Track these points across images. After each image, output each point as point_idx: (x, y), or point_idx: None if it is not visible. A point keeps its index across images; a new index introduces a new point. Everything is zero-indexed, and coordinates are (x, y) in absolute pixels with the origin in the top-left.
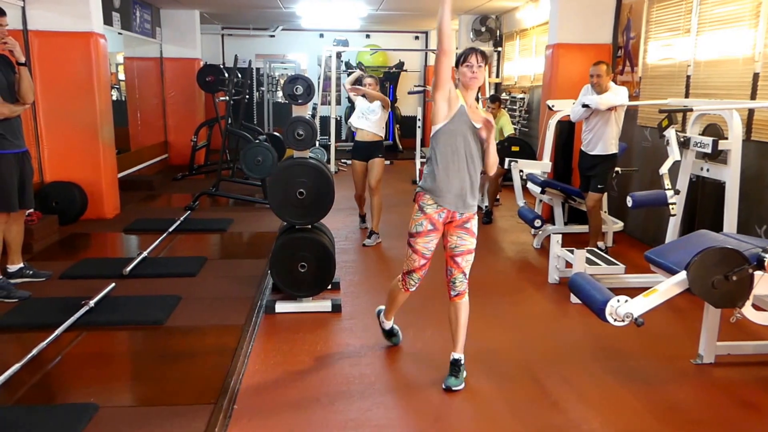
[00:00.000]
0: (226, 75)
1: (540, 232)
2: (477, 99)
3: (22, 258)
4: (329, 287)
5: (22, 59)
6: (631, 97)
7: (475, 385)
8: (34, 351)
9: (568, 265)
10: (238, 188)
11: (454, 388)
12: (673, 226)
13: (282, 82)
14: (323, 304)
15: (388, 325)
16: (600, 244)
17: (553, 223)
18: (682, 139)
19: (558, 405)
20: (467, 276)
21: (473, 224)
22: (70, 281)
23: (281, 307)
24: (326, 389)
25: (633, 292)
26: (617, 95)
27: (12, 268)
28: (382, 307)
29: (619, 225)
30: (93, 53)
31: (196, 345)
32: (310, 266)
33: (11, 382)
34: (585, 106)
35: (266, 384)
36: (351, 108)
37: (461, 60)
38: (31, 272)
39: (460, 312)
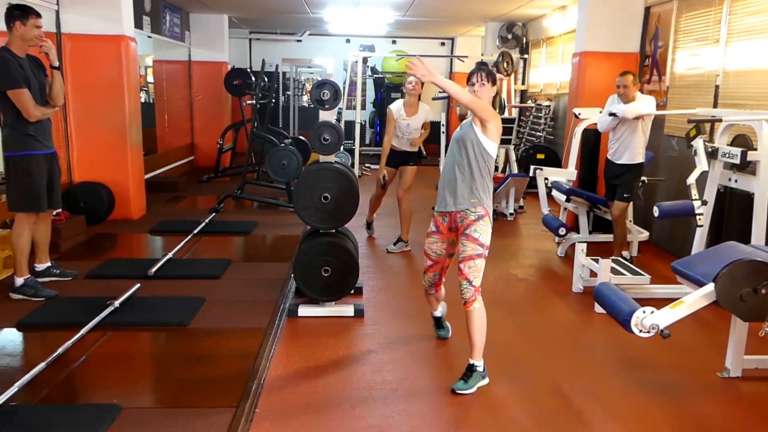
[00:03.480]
0: (253, 78)
1: (564, 241)
2: (503, 106)
3: (50, 257)
4: (352, 292)
5: (56, 63)
6: (658, 107)
7: (498, 394)
8: (60, 350)
9: (593, 274)
10: (263, 191)
11: (457, 391)
12: (700, 237)
13: (308, 86)
14: (346, 309)
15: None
16: (625, 253)
17: (578, 232)
18: (710, 150)
19: (582, 416)
20: (473, 283)
21: (472, 230)
22: (95, 281)
23: (304, 310)
24: (348, 394)
25: (658, 302)
26: (644, 104)
27: (39, 266)
28: None
29: (644, 234)
30: (123, 56)
31: (219, 347)
32: (334, 271)
33: (36, 380)
34: (612, 115)
35: (288, 388)
36: (375, 113)
37: (468, 80)
38: (58, 271)
39: (470, 321)
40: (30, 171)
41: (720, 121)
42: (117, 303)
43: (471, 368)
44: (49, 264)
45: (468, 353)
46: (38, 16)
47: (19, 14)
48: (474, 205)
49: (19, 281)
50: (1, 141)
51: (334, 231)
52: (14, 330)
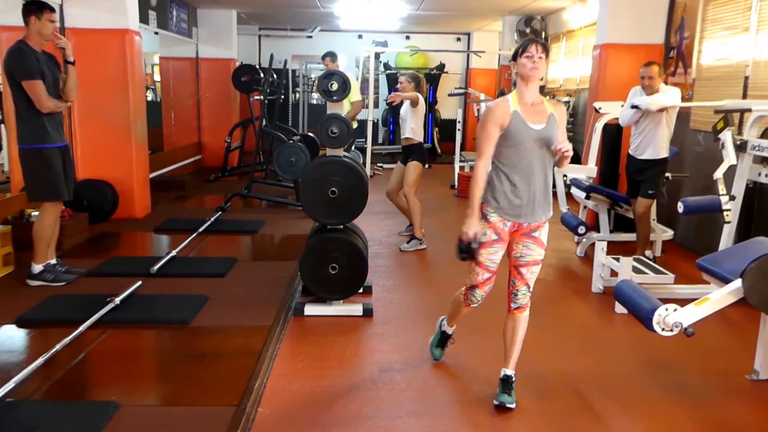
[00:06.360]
0: (261, 75)
1: (584, 240)
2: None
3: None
4: (361, 291)
5: (72, 59)
6: (684, 101)
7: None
8: (58, 346)
9: (613, 273)
10: (271, 190)
11: (508, 405)
12: (728, 234)
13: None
14: (354, 308)
15: (449, 330)
16: (648, 253)
17: (598, 231)
18: (738, 142)
19: (601, 418)
20: (530, 289)
21: (542, 234)
22: (97, 279)
23: (311, 309)
24: (354, 395)
25: (683, 303)
26: (669, 96)
27: (51, 261)
28: (444, 316)
29: (668, 233)
30: (128, 50)
31: (222, 345)
32: (342, 268)
33: (34, 377)
34: (634, 107)
35: (292, 387)
36: (389, 111)
37: (520, 51)
38: (63, 269)
39: (518, 326)
40: (48, 162)
41: (749, 111)
42: (117, 300)
43: (510, 380)
44: (54, 261)
45: (480, 355)
46: (52, 10)
47: (34, 9)
48: None
49: (37, 268)
50: (18, 133)
51: (342, 227)
52: (13, 326)
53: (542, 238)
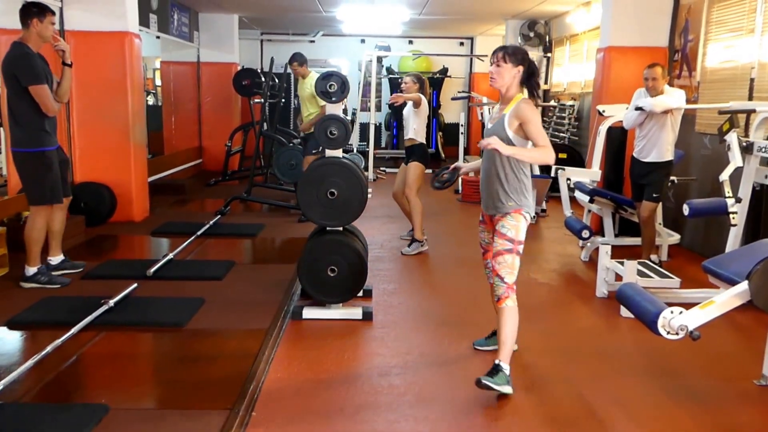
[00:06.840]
0: (262, 79)
1: (588, 244)
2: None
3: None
4: (361, 294)
5: (70, 61)
6: (689, 103)
7: (515, 400)
8: (48, 348)
9: (618, 277)
10: (272, 194)
11: (483, 381)
12: (734, 237)
13: None
14: (353, 312)
15: None
16: (653, 257)
17: (603, 235)
18: (744, 144)
19: (605, 424)
20: (504, 280)
21: (501, 225)
22: (93, 281)
23: (309, 313)
24: (352, 399)
25: (689, 307)
26: (673, 97)
27: (54, 260)
28: None
29: (675, 237)
30: (127, 53)
31: (217, 348)
32: (341, 270)
33: (24, 378)
34: (639, 109)
35: (288, 391)
36: (391, 115)
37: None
38: (69, 264)
39: (501, 318)
40: (48, 164)
41: (754, 111)
42: (112, 302)
43: (497, 367)
44: (62, 257)
45: (483, 359)
46: (53, 13)
47: (36, 12)
48: None
49: (31, 270)
50: (15, 137)
51: (341, 229)
52: (4, 328)
53: (501, 230)
